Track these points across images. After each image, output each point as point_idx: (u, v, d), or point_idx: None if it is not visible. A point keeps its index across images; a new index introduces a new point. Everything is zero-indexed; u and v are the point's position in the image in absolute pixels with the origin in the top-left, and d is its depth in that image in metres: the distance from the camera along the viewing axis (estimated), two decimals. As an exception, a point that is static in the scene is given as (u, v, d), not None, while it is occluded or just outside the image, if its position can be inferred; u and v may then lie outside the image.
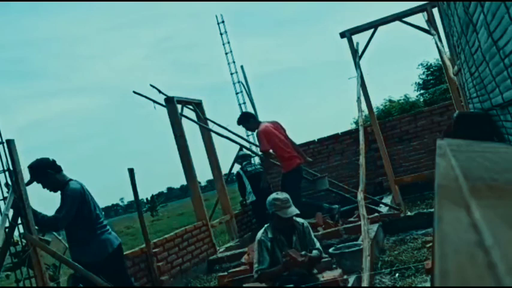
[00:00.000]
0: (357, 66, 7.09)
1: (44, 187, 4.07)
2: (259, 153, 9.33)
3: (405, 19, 7.08)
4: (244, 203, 8.16)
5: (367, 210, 5.07)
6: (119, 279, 4.10)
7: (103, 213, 4.32)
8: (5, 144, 4.48)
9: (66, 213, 3.82)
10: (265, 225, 3.86)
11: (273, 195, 3.79)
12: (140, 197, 7.25)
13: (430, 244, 4.58)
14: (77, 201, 3.86)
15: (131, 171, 6.03)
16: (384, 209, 6.57)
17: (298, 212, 3.71)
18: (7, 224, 4.31)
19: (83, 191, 3.97)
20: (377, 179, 8.91)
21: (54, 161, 4.05)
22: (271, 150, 6.44)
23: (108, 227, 4.13)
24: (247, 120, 6.67)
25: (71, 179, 4.04)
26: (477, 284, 0.37)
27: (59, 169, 4.03)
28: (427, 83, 22.00)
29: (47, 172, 3.96)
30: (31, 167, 4.01)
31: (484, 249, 0.43)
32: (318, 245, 3.83)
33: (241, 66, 11.90)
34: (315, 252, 3.72)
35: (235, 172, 8.73)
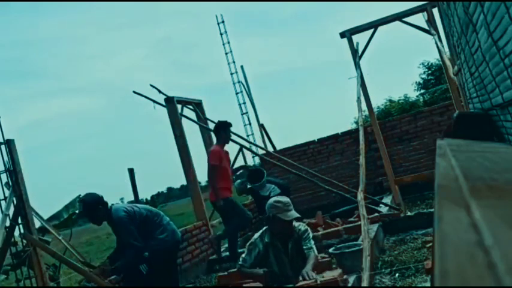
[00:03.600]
0: (357, 66, 7.09)
1: (90, 221, 4.31)
2: (260, 153, 9.34)
3: (405, 19, 7.08)
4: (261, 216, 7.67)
5: (367, 210, 5.07)
6: (171, 271, 4.45)
7: (159, 212, 4.52)
8: (5, 145, 4.49)
9: (131, 238, 4.04)
10: (263, 228, 3.80)
11: (274, 198, 3.73)
12: (140, 197, 7.26)
13: (430, 244, 4.58)
14: (128, 224, 4.06)
15: (131, 171, 6.04)
16: (384, 209, 6.57)
17: (298, 215, 3.66)
18: (7, 224, 4.31)
19: (126, 212, 4.14)
20: (377, 179, 8.91)
21: (102, 197, 4.26)
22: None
23: (165, 225, 4.36)
24: (217, 132, 6.29)
25: (110, 208, 4.18)
26: (477, 284, 0.37)
27: (106, 204, 4.21)
28: (427, 82, 22.00)
29: (98, 208, 4.12)
30: (84, 202, 4.17)
31: (484, 249, 0.43)
32: (310, 244, 3.69)
33: (241, 66, 11.89)
34: (311, 258, 3.61)
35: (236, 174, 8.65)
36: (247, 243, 3.81)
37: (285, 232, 3.68)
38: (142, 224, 4.16)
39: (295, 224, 3.75)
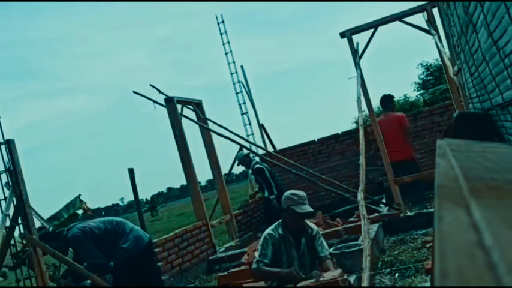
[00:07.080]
0: (357, 66, 7.09)
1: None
2: (260, 153, 9.33)
3: (405, 19, 7.07)
4: (262, 195, 8.21)
5: (367, 210, 5.07)
6: (149, 272, 4.42)
7: (120, 221, 4.46)
8: (5, 145, 4.48)
9: (90, 257, 4.04)
10: (277, 222, 3.84)
11: (291, 191, 3.80)
12: (140, 197, 7.26)
13: (430, 244, 4.58)
14: (84, 241, 4.05)
15: (131, 171, 6.04)
16: (384, 209, 6.57)
17: (312, 210, 3.71)
18: (7, 224, 4.31)
19: (82, 230, 4.12)
20: (377, 179, 8.91)
21: (52, 231, 4.32)
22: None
23: (128, 233, 4.30)
24: (387, 103, 7.50)
25: (67, 234, 4.17)
26: (477, 284, 0.37)
27: (58, 236, 4.22)
28: (426, 83, 21.99)
29: (49, 243, 4.15)
30: (40, 237, 4.25)
31: (484, 249, 0.43)
32: (328, 250, 3.85)
33: (241, 66, 11.90)
34: (331, 267, 3.74)
35: (233, 168, 8.74)
36: (262, 238, 3.79)
37: (297, 225, 3.72)
38: (102, 238, 4.11)
39: (308, 222, 3.81)
